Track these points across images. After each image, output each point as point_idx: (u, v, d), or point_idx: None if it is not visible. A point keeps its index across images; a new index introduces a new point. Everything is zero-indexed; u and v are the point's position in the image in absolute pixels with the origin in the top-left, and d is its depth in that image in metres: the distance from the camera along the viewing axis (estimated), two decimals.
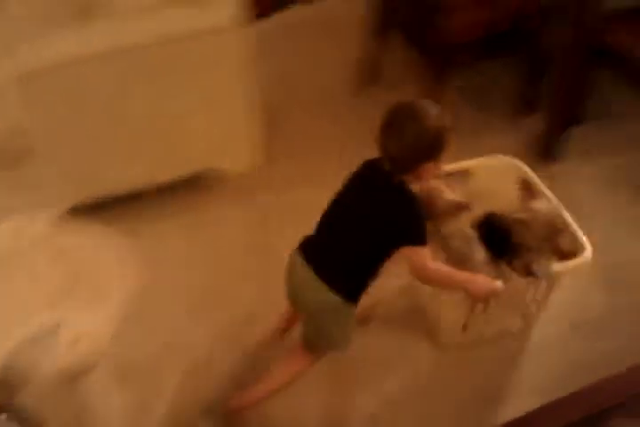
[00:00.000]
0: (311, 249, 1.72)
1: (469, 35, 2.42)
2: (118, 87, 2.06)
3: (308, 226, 2.30)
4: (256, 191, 2.41)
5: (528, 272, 1.78)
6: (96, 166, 2.15)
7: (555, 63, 2.46)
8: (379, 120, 2.29)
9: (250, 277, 2.17)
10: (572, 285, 1.96)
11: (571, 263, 1.78)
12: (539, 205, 1.86)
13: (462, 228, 1.86)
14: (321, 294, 1.65)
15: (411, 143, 1.58)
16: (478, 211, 1.90)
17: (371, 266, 1.66)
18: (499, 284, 1.69)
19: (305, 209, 2.34)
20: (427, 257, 1.61)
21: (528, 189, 1.90)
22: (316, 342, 1.77)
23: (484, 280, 1.69)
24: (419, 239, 1.60)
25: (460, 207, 1.88)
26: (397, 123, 1.59)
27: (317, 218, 2.30)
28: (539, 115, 2.56)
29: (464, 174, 1.96)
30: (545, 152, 2.48)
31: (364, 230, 1.63)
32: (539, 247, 1.81)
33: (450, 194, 1.87)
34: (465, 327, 1.89)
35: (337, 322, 1.72)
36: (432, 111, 1.59)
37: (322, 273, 1.65)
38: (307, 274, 1.67)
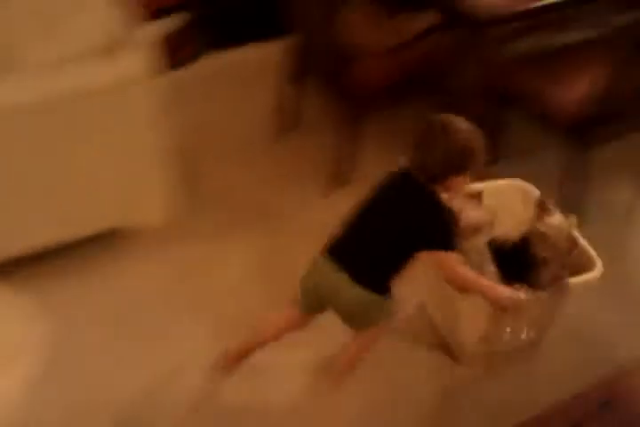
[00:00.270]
0: (337, 250, 1.76)
1: (383, 80, 2.46)
2: (25, 142, 1.99)
3: (227, 278, 2.28)
4: (172, 244, 2.35)
5: (543, 286, 1.86)
6: (4, 226, 2.07)
7: (466, 106, 2.52)
8: (298, 165, 2.28)
9: (168, 335, 2.11)
10: None
11: (582, 278, 1.87)
12: (556, 221, 1.93)
13: (477, 244, 1.94)
14: (352, 290, 1.71)
15: (439, 157, 1.67)
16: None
17: (397, 265, 1.74)
18: (520, 294, 1.78)
19: (223, 261, 2.33)
20: (456, 260, 1.72)
21: (544, 208, 1.97)
22: (369, 321, 1.82)
23: (506, 289, 1.78)
24: (449, 245, 1.71)
25: (484, 224, 1.96)
26: (429, 137, 1.69)
27: (237, 268, 2.30)
28: None
29: (477, 196, 2.04)
30: None
31: (393, 233, 1.71)
32: (557, 260, 1.89)
33: (475, 211, 1.95)
34: (486, 339, 1.96)
35: (375, 310, 1.78)
36: (462, 127, 1.68)
37: (351, 270, 1.71)
38: (335, 273, 1.72)
